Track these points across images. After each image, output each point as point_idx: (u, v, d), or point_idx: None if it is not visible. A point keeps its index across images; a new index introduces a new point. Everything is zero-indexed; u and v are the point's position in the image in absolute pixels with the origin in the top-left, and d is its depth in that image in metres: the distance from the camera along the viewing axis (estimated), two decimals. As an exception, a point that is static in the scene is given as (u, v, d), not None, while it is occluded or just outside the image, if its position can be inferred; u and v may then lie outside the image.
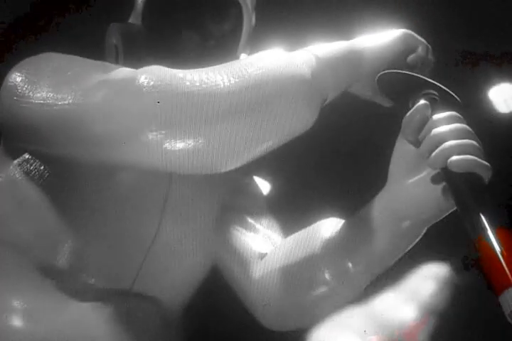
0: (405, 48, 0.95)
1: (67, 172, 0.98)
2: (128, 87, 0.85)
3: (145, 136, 0.82)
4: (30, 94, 0.94)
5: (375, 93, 0.97)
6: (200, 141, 0.82)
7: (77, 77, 0.92)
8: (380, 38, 0.96)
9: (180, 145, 0.82)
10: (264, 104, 0.83)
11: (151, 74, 0.85)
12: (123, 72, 0.89)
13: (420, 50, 0.96)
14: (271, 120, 0.83)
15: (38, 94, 0.93)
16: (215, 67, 0.87)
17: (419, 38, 0.98)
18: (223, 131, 0.82)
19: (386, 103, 0.99)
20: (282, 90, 0.84)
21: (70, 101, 0.89)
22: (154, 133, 0.81)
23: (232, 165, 0.87)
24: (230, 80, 0.83)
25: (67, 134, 0.91)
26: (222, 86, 0.83)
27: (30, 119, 0.94)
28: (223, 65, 0.87)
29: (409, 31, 0.97)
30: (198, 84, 0.83)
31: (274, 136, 0.85)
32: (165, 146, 0.82)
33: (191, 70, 0.86)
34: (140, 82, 0.84)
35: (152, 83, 0.84)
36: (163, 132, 0.81)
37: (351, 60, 0.92)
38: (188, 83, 0.83)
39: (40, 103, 0.92)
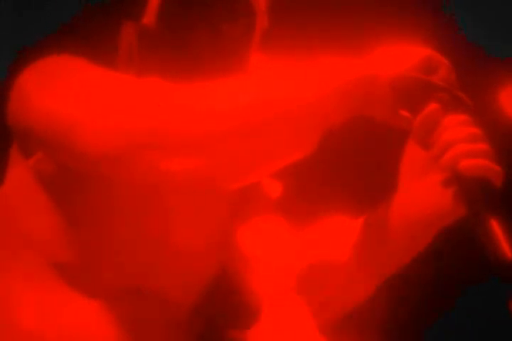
0: (426, 70, 0.89)
1: (80, 174, 0.98)
2: (119, 104, 0.84)
3: (137, 156, 0.81)
4: (34, 97, 0.95)
5: (392, 116, 0.93)
6: (194, 162, 0.81)
7: (79, 88, 0.92)
8: (399, 57, 0.90)
9: (174, 165, 0.81)
10: (251, 129, 0.81)
11: (143, 91, 0.85)
12: (117, 86, 0.89)
13: (442, 72, 0.90)
14: (263, 145, 0.82)
15: (40, 100, 0.93)
16: (210, 83, 0.85)
17: (442, 58, 0.91)
18: (213, 153, 0.81)
19: (404, 126, 0.93)
20: (275, 114, 0.81)
21: (65, 111, 0.89)
22: (147, 153, 0.81)
23: (230, 185, 0.86)
24: (222, 101, 0.81)
25: (59, 146, 0.91)
26: (213, 108, 0.81)
27: (30, 122, 0.95)
28: (220, 81, 0.85)
29: (432, 51, 0.91)
30: (187, 103, 0.82)
31: (269, 160, 0.84)
32: (160, 167, 0.81)
33: (185, 87, 0.85)
34: (130, 100, 0.84)
35: (142, 102, 0.83)
36: (155, 152, 0.81)
37: (363, 84, 0.87)
38: (179, 103, 0.82)
39: (40, 108, 0.93)
